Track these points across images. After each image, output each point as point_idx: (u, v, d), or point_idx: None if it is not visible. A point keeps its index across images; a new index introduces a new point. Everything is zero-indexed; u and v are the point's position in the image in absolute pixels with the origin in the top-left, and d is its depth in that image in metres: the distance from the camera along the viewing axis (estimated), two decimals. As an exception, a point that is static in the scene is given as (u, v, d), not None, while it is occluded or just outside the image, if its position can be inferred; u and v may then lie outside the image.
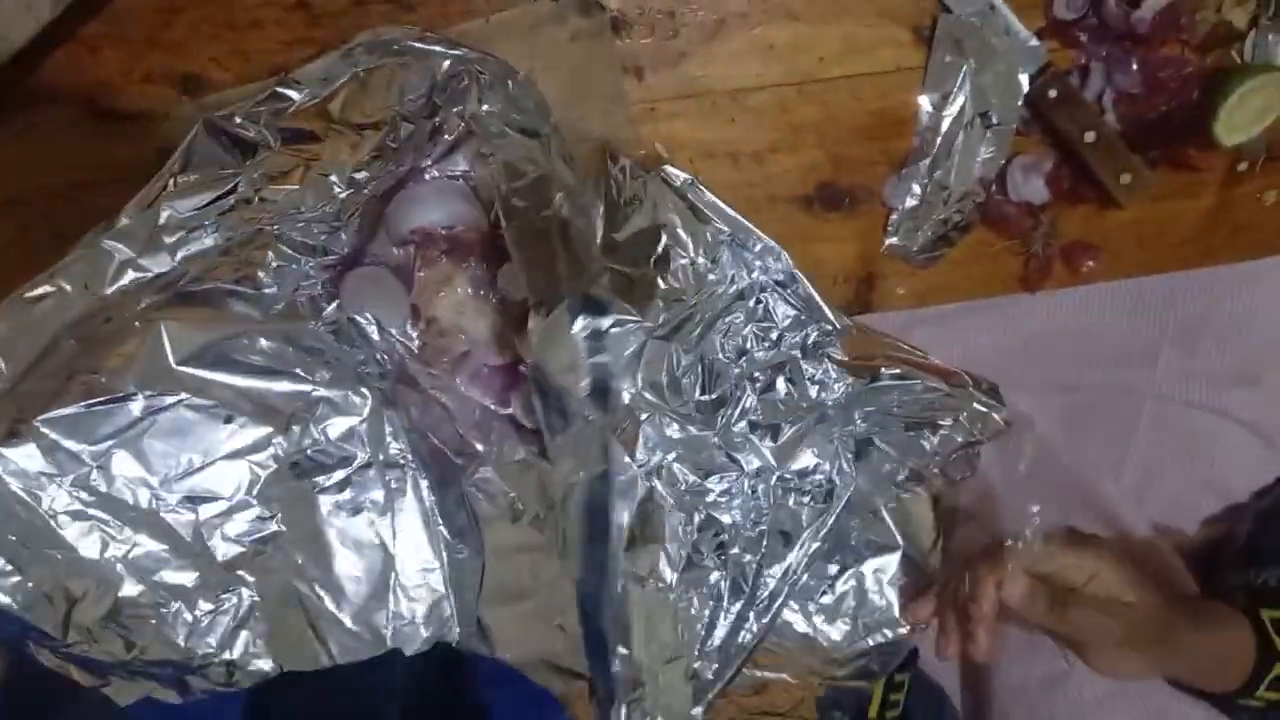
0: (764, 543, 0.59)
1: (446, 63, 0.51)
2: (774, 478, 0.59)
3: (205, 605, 0.54)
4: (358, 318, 0.59)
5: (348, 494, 0.57)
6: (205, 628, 0.54)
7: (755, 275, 0.57)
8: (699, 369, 0.56)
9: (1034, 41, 0.62)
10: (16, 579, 0.50)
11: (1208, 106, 0.62)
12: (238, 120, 0.49)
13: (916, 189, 0.65)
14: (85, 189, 0.64)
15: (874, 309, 0.69)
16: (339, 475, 0.56)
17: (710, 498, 0.57)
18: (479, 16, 0.61)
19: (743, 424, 0.57)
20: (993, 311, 0.70)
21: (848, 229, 0.67)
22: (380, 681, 0.59)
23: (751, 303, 0.57)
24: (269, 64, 0.61)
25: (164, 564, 0.53)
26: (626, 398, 0.52)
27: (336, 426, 0.56)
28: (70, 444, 0.50)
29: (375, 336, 0.60)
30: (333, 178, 0.52)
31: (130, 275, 0.50)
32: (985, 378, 0.60)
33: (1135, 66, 0.62)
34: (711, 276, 0.55)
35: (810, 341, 0.58)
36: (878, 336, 0.62)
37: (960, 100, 0.63)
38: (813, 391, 0.58)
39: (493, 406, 0.63)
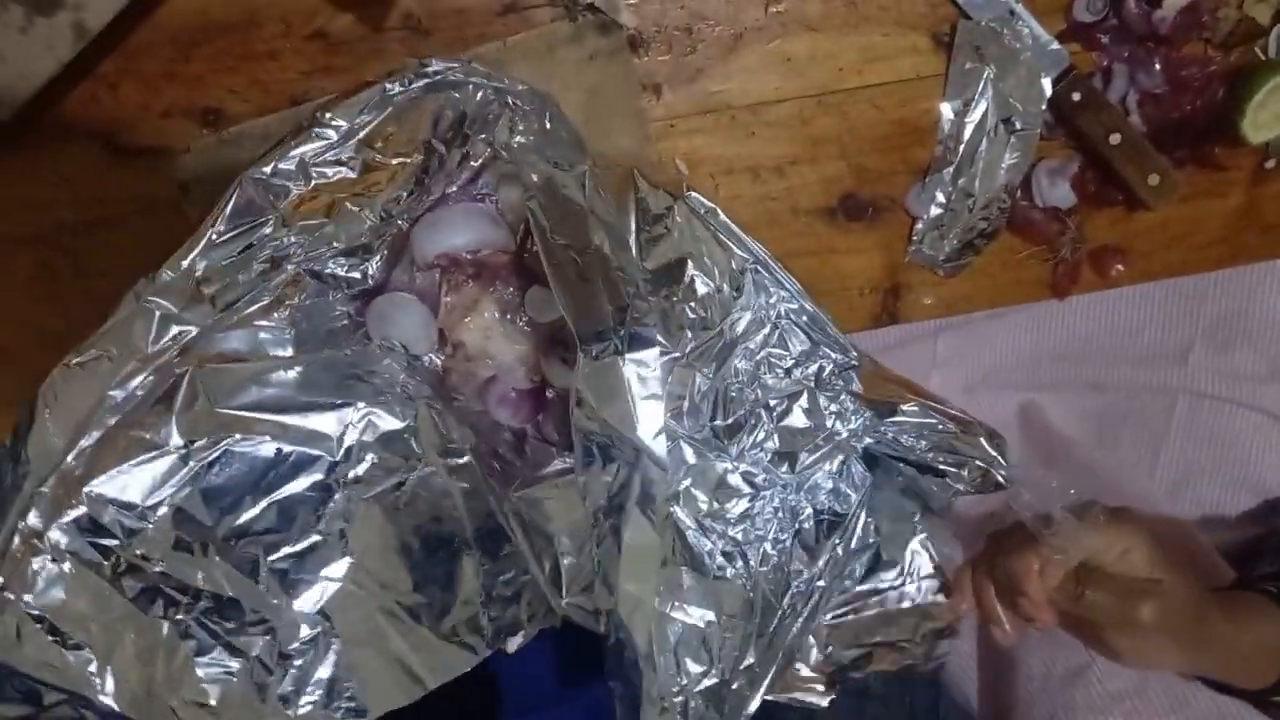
0: (786, 562, 0.59)
1: (480, 93, 0.51)
2: (790, 499, 0.59)
3: (286, 660, 0.53)
4: (384, 343, 0.58)
5: (413, 503, 0.55)
6: (289, 685, 0.53)
7: (774, 303, 0.57)
8: (715, 394, 0.56)
9: (1055, 45, 0.62)
10: (102, 671, 0.49)
11: (1233, 104, 0.61)
12: (275, 169, 0.49)
13: (941, 197, 0.64)
14: (106, 224, 0.64)
15: (901, 319, 0.68)
16: (401, 487, 0.55)
17: (729, 519, 0.57)
18: (495, 40, 0.60)
19: (758, 451, 0.58)
20: (1022, 315, 0.70)
21: (872, 240, 0.66)
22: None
23: (768, 330, 0.57)
24: (287, 94, 0.61)
25: (238, 619, 0.52)
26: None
27: (389, 439, 0.55)
28: (122, 504, 0.49)
29: (402, 362, 0.59)
30: (365, 212, 0.51)
31: (173, 329, 0.50)
32: (993, 428, 0.60)
33: (1158, 66, 0.62)
34: (735, 304, 0.55)
35: (825, 374, 0.58)
36: (894, 374, 0.62)
37: (982, 106, 0.63)
38: (830, 422, 0.58)
39: (523, 428, 0.63)
